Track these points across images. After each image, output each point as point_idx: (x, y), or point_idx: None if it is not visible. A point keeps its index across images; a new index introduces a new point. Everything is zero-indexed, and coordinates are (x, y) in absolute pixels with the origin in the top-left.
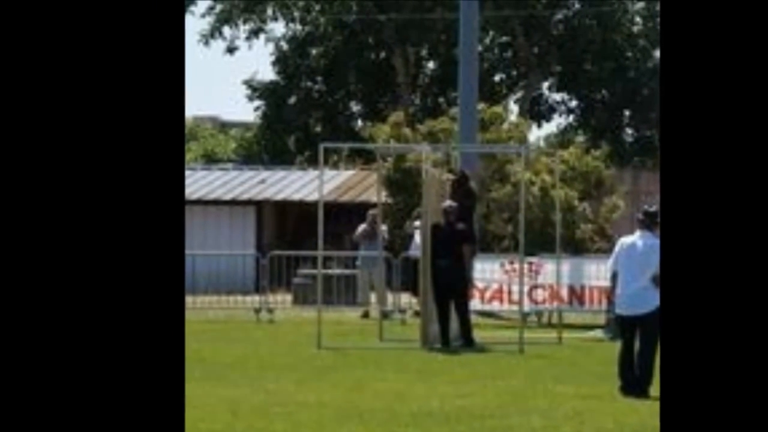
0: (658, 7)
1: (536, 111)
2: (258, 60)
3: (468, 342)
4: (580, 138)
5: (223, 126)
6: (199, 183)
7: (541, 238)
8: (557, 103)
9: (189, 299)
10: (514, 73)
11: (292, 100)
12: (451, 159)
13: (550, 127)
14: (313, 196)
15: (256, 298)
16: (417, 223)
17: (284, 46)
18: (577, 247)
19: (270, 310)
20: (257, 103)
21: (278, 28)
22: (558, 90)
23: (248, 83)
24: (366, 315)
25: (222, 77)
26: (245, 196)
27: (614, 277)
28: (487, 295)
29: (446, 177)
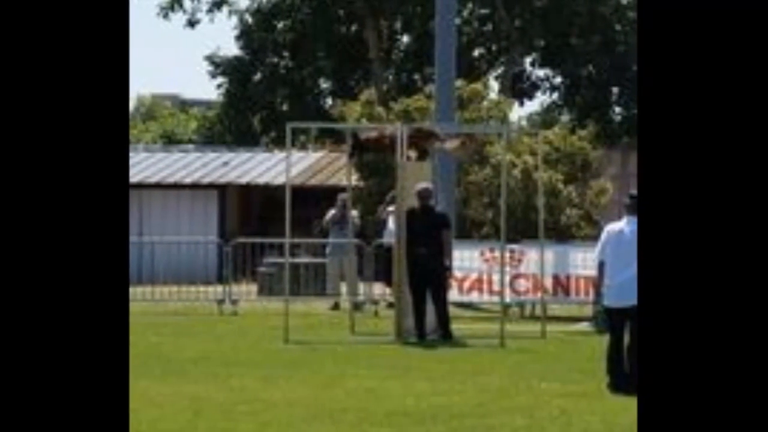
0: None
1: (518, 88)
2: (221, 34)
3: (446, 335)
4: (565, 117)
5: (184, 104)
6: (158, 165)
7: (523, 224)
8: (541, 79)
9: (147, 289)
10: (495, 47)
11: (257, 76)
12: None
13: (533, 105)
14: (280, 180)
15: (219, 288)
16: (391, 208)
17: (249, 19)
18: (561, 234)
19: (234, 302)
20: (220, 80)
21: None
22: (541, 66)
23: (210, 59)
24: (336, 307)
25: (182, 53)
26: (207, 180)
27: (601, 266)
28: (466, 285)
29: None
